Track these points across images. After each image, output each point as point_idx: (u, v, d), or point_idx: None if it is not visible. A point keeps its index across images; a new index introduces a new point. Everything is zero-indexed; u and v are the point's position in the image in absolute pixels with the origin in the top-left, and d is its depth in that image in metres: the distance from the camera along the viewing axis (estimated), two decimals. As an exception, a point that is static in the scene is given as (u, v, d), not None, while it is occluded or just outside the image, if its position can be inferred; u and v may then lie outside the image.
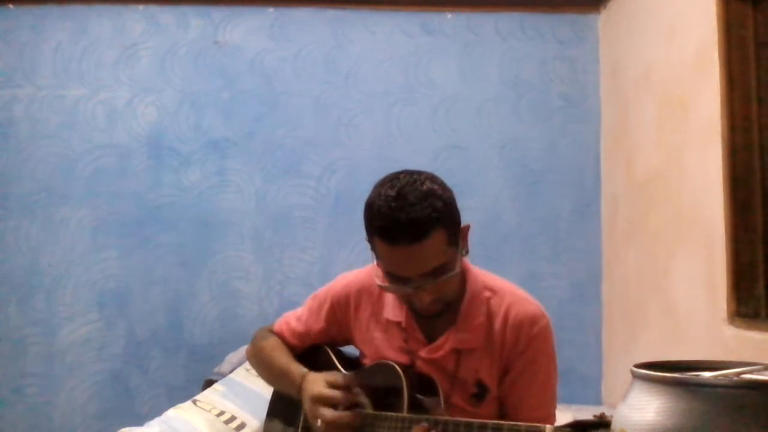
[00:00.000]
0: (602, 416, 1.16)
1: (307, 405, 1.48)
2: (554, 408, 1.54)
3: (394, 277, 1.40)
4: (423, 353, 1.52)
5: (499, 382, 1.51)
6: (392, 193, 1.35)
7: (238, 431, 2.12)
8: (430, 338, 1.53)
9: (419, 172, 1.41)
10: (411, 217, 1.32)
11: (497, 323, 1.50)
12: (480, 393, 1.50)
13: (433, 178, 1.41)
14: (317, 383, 1.49)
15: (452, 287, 1.46)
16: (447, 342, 1.50)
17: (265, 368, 1.71)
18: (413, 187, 1.35)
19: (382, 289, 1.49)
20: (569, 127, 2.96)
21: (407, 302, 1.47)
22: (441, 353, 1.51)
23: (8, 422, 2.82)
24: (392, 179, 1.39)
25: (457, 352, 1.50)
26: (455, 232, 1.41)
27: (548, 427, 1.20)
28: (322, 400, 1.45)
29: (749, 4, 1.84)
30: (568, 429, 1.19)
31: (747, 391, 0.92)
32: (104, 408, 2.83)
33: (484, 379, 1.50)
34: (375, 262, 1.49)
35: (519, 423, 1.25)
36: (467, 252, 1.46)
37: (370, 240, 1.42)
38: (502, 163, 2.95)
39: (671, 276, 2.20)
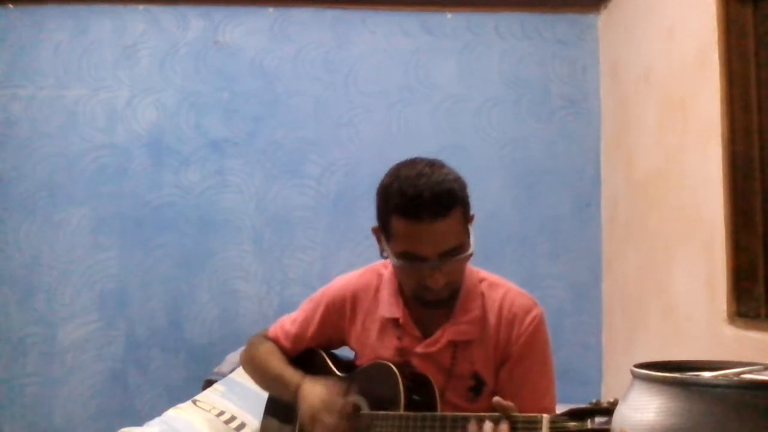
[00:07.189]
0: (597, 403, 1.17)
1: (309, 425, 1.49)
2: (553, 399, 1.54)
3: (412, 256, 1.41)
4: (419, 349, 1.53)
5: (495, 375, 1.52)
6: (413, 173, 1.40)
7: (238, 431, 2.12)
8: (427, 334, 1.54)
9: (432, 159, 1.47)
10: (435, 193, 1.37)
11: (492, 316, 1.53)
12: (477, 386, 1.51)
13: (444, 164, 1.47)
14: (315, 401, 1.49)
15: (463, 271, 1.50)
16: (443, 335, 1.51)
17: (260, 374, 1.72)
18: (433, 169, 1.42)
19: (397, 268, 1.49)
20: (569, 127, 2.96)
21: (416, 289, 1.46)
22: (437, 347, 1.52)
23: (8, 422, 2.82)
24: (408, 164, 1.45)
25: (454, 345, 1.52)
26: (468, 214, 1.46)
27: (545, 416, 1.21)
28: (324, 423, 1.46)
29: (749, 4, 1.84)
30: (564, 417, 1.20)
31: (747, 391, 0.92)
32: (104, 408, 2.83)
33: (480, 371, 1.51)
34: (382, 253, 1.49)
35: (516, 414, 1.26)
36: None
37: (384, 222, 1.44)
38: (502, 163, 2.95)
39: (671, 276, 2.20)
